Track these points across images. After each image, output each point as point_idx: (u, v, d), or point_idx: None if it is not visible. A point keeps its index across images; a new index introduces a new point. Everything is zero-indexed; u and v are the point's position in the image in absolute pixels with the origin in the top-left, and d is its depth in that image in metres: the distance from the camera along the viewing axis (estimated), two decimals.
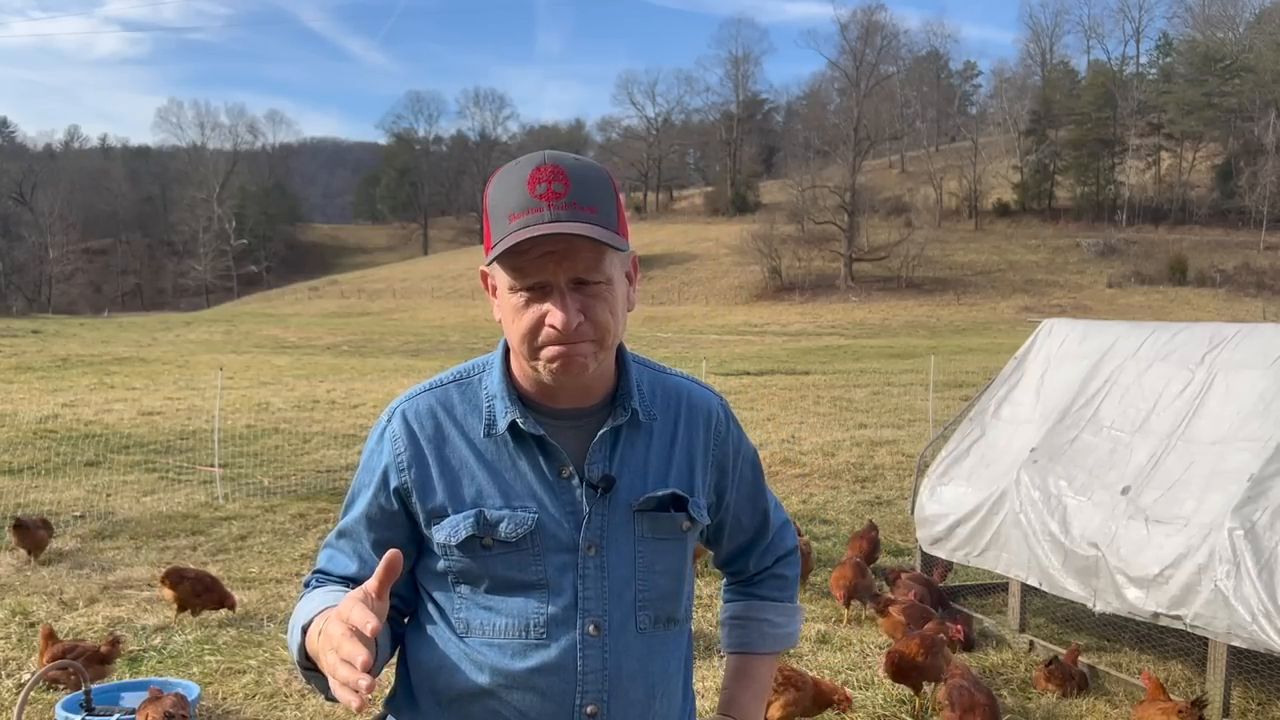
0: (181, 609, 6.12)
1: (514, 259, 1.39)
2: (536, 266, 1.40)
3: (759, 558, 1.81)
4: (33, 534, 7.39)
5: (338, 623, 1.23)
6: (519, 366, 1.52)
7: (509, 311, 1.45)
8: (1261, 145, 72.16)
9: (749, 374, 24.48)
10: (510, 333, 1.46)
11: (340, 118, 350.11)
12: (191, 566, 6.68)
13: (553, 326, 1.40)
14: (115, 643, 5.12)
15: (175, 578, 6.07)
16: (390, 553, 1.26)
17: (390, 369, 26.41)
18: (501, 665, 1.48)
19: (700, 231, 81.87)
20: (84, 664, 4.60)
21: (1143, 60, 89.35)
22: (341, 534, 1.58)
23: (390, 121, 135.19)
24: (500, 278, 1.45)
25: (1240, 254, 66.89)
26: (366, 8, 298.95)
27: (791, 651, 5.80)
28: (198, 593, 6.09)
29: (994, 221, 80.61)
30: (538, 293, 1.42)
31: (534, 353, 1.44)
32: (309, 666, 1.39)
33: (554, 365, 1.43)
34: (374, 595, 1.24)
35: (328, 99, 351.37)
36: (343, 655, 1.19)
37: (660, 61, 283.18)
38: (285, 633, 6.46)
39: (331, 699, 1.42)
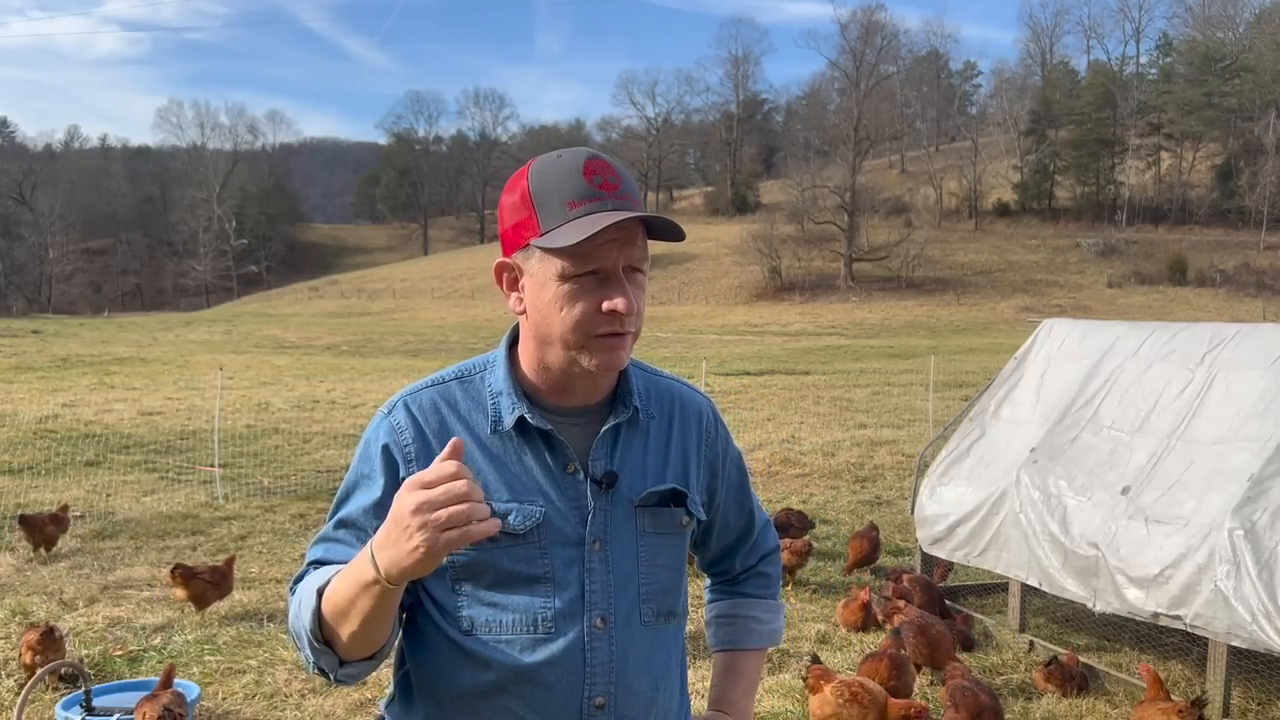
0: (196, 604, 6.19)
1: (580, 245, 1.40)
2: (600, 253, 1.41)
3: (744, 557, 1.84)
4: (41, 529, 7.36)
5: (415, 489, 1.24)
6: (536, 362, 1.52)
7: (556, 300, 1.44)
8: (1261, 145, 72.13)
9: (749, 374, 24.48)
10: (555, 321, 1.45)
11: (340, 118, 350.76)
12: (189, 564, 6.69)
13: (615, 311, 1.42)
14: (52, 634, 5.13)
15: (187, 575, 6.11)
16: (456, 440, 1.27)
17: (390, 369, 26.41)
18: (509, 661, 1.48)
19: (700, 231, 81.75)
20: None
21: (1143, 60, 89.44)
22: (342, 524, 1.53)
23: (390, 121, 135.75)
24: (546, 266, 1.44)
25: (1240, 254, 66.87)
26: (365, 7, 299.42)
27: (791, 651, 5.80)
28: (214, 582, 6.17)
29: (994, 221, 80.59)
30: (592, 279, 1.43)
31: (585, 340, 1.45)
32: (320, 642, 1.37)
33: (603, 359, 1.46)
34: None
35: (327, 99, 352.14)
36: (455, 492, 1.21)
37: (660, 61, 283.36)
38: (285, 633, 6.38)
39: (343, 681, 1.41)
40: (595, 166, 1.44)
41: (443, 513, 1.21)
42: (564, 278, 1.42)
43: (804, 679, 4.59)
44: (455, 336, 43.09)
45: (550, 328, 1.46)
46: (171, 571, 6.16)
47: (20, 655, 5.06)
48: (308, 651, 1.40)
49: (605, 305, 1.42)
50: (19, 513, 7.70)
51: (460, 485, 1.21)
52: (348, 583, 1.32)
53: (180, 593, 6.11)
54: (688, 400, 1.68)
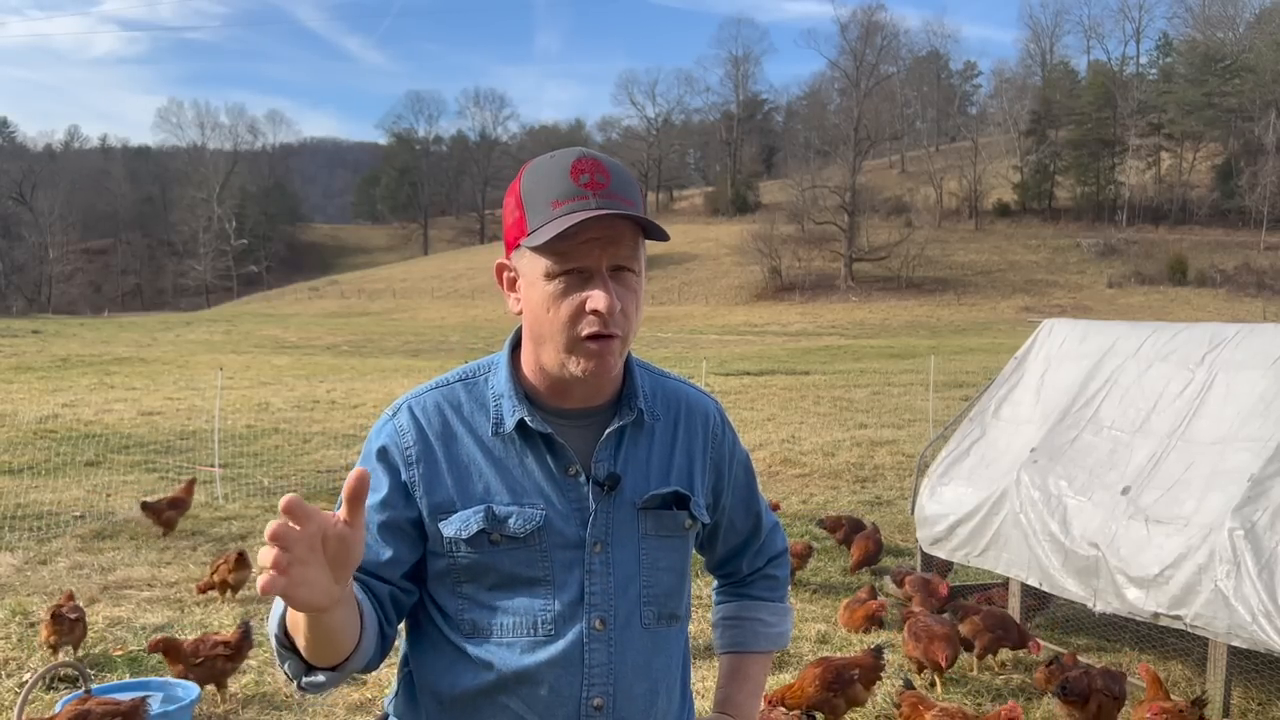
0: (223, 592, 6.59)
1: (558, 243, 1.40)
2: (581, 251, 1.41)
3: (752, 559, 1.84)
4: (160, 515, 7.84)
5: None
6: (534, 363, 1.52)
7: (544, 300, 1.45)
8: (1261, 145, 72.16)
9: (749, 374, 24.48)
10: (544, 322, 1.46)
11: (340, 118, 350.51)
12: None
13: (595, 310, 1.42)
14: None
15: (243, 561, 6.59)
16: (358, 470, 1.21)
17: (390, 369, 26.41)
18: (509, 662, 1.49)
19: (700, 231, 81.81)
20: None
21: (1143, 60, 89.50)
22: None
23: (390, 121, 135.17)
24: (534, 265, 1.45)
25: (1240, 254, 66.87)
26: (365, 7, 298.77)
27: (792, 652, 5.80)
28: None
29: (994, 221, 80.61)
30: (576, 278, 1.43)
31: (572, 342, 1.45)
32: (286, 645, 1.37)
33: (590, 364, 1.45)
34: (341, 518, 1.20)
35: (327, 99, 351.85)
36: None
37: (660, 61, 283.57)
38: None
39: (306, 690, 1.40)
40: (583, 165, 1.43)
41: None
42: (549, 276, 1.43)
43: (896, 705, 4.45)
44: (455, 337, 43.10)
45: (541, 327, 1.47)
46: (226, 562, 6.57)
47: (43, 635, 5.37)
48: (276, 649, 1.40)
49: (587, 304, 1.42)
50: (143, 498, 8.10)
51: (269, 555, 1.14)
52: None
53: (232, 578, 6.53)
54: (694, 402, 1.68)
